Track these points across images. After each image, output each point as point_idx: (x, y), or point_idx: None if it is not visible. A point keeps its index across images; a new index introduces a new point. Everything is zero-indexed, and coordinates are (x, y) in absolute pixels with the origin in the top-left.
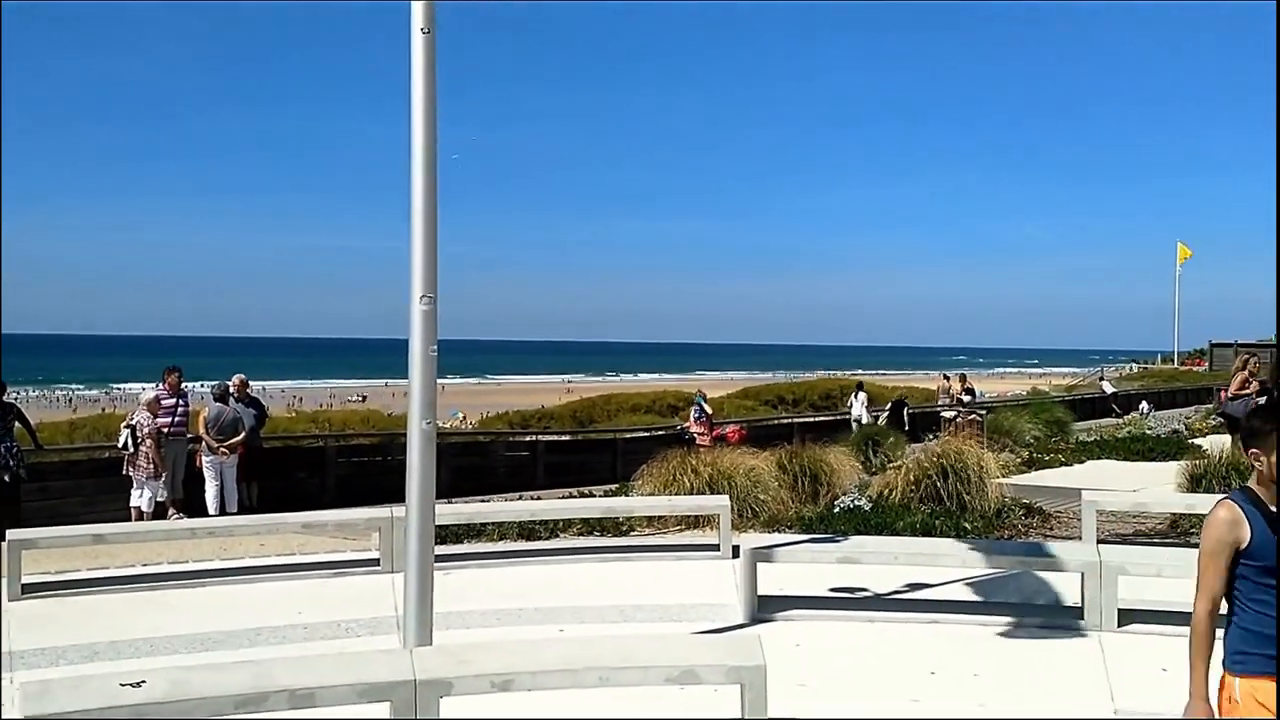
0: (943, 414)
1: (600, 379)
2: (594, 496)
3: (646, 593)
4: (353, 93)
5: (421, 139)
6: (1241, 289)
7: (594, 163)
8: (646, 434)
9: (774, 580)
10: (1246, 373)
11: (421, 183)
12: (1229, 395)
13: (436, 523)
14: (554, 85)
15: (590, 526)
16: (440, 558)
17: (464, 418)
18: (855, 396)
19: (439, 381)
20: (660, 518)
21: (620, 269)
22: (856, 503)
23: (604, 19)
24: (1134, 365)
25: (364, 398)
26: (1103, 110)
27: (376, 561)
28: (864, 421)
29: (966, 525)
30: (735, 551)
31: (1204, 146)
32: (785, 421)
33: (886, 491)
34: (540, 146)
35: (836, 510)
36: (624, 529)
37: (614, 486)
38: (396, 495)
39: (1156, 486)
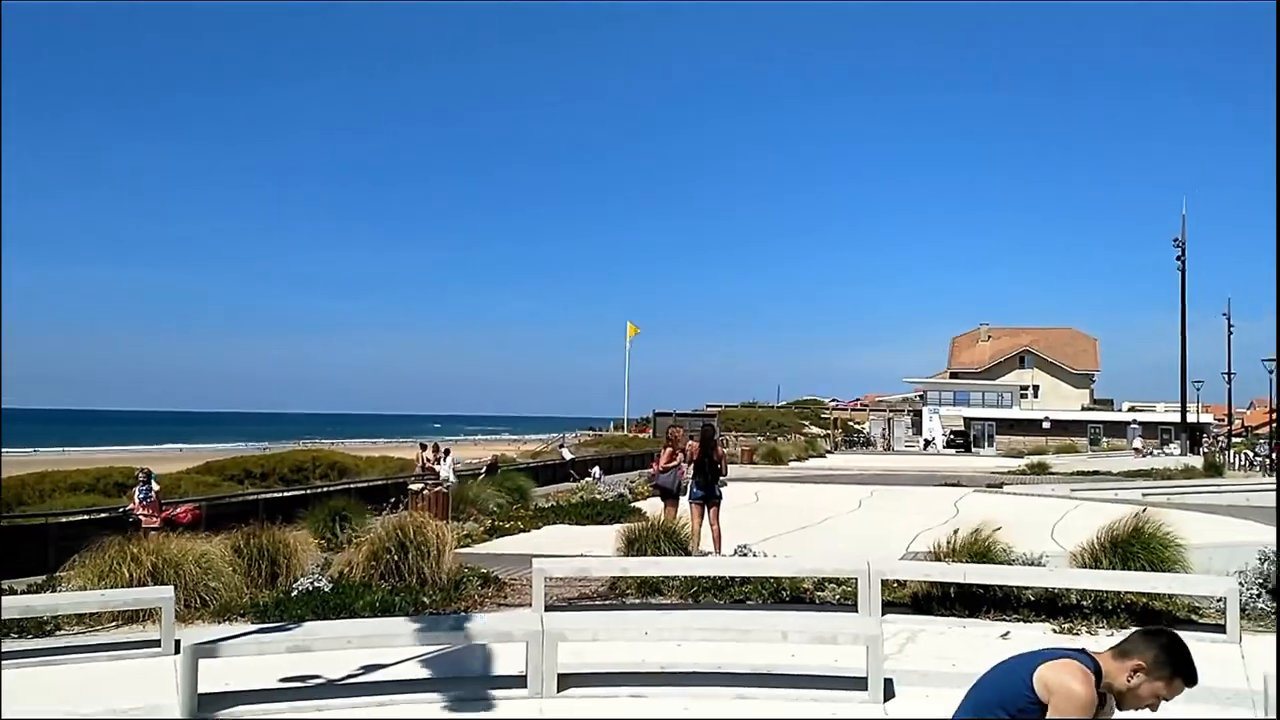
0: (410, 485)
1: (31, 451)
2: (15, 594)
3: (69, 702)
4: None
5: None
6: (681, 362)
7: None
8: (86, 517)
9: (219, 676)
10: (674, 448)
11: None
12: (659, 468)
13: None
14: None
15: (7, 628)
16: None
17: None
18: (443, 459)
19: None
20: (94, 614)
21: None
22: (317, 584)
23: None
24: (591, 431)
25: None
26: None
27: None
28: (451, 482)
29: (426, 600)
30: (178, 647)
31: (642, 238)
32: (250, 498)
33: (347, 570)
34: None
35: (294, 594)
36: (49, 629)
37: (42, 579)
38: None
39: (599, 550)
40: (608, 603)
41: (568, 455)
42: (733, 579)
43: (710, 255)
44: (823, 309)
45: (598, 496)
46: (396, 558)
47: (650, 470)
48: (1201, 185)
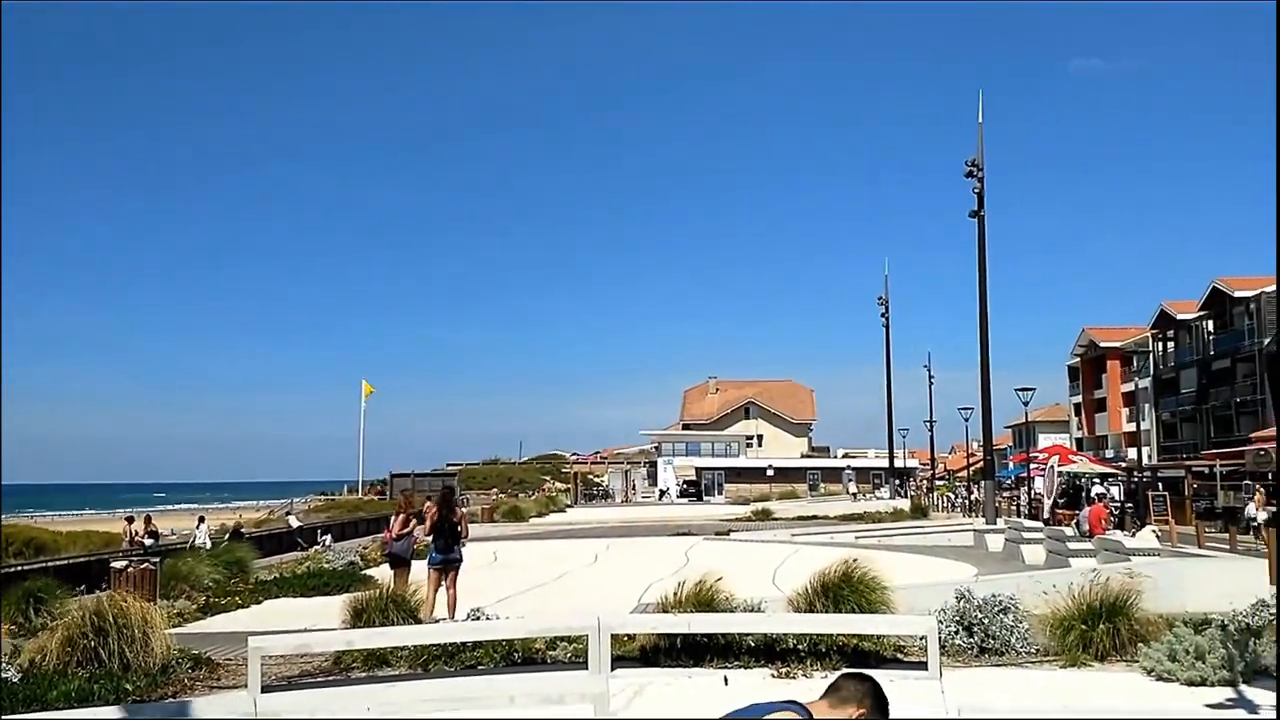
0: (113, 563)
1: None
2: None
3: None
4: None
5: None
6: (420, 423)
7: None
8: None
9: None
10: (407, 514)
11: None
12: (393, 535)
13: None
14: None
15: None
16: None
17: None
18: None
19: None
20: None
21: None
22: (4, 675)
23: None
24: (324, 496)
25: None
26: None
27: None
28: (208, 548)
29: (129, 686)
30: None
31: (378, 290)
32: None
33: (40, 658)
34: None
35: None
36: None
37: None
38: None
39: (325, 623)
40: (331, 679)
41: (295, 522)
42: (464, 644)
43: (448, 311)
44: (564, 363)
45: (326, 565)
46: (95, 642)
47: (384, 536)
48: (905, 248)
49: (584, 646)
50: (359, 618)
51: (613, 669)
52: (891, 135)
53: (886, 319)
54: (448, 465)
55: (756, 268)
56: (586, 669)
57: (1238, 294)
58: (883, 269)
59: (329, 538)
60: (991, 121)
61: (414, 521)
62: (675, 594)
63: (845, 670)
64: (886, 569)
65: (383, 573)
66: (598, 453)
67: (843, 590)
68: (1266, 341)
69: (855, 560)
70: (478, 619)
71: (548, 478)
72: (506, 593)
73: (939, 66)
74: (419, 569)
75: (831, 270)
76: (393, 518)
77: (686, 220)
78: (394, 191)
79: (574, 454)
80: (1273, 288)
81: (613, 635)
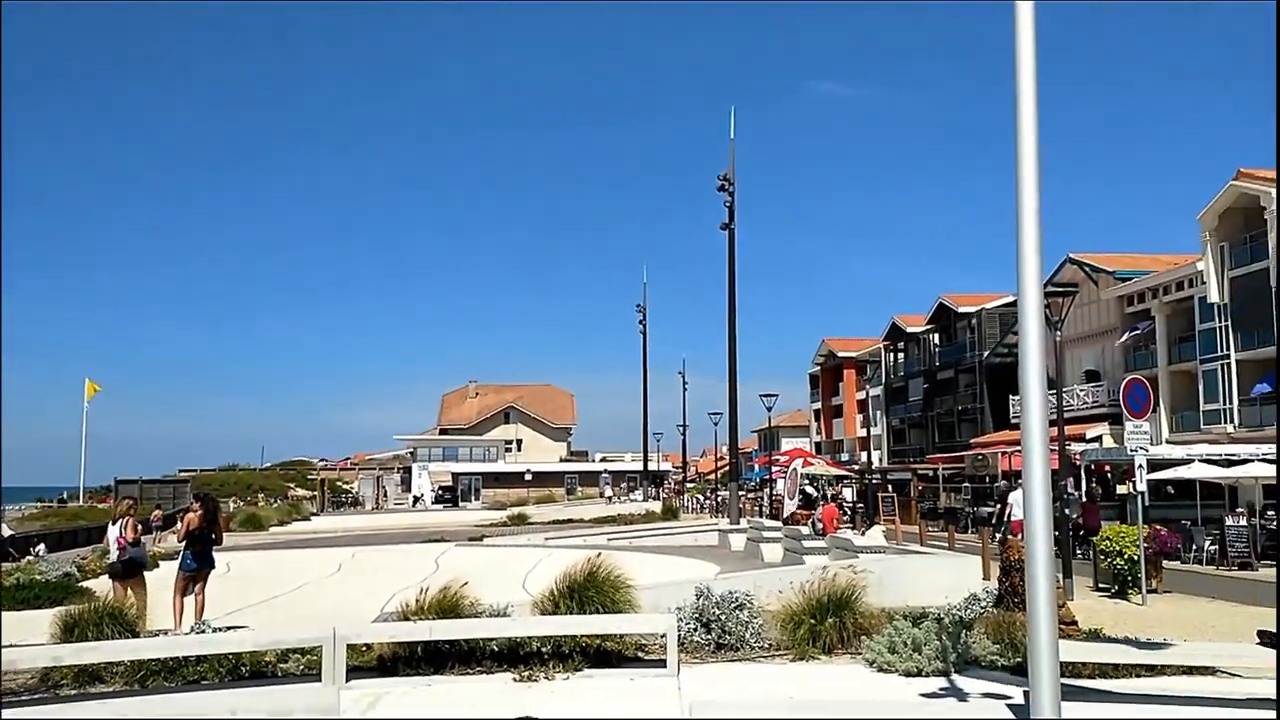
0: None
1: None
2: None
3: None
4: None
5: None
6: (151, 425)
7: None
8: None
9: None
10: (135, 520)
11: None
12: (128, 541)
13: None
14: None
15: None
16: None
17: None
18: None
19: None
20: None
21: None
22: None
23: None
24: (40, 503)
25: None
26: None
27: None
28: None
29: None
30: None
31: (103, 287)
32: None
33: None
34: None
35: None
36: None
37: None
38: None
39: (34, 638)
40: (37, 697)
41: (6, 532)
42: (186, 659)
43: (178, 310)
44: (310, 367)
45: (39, 577)
46: None
47: (118, 541)
48: (666, 257)
49: (318, 658)
50: (70, 632)
51: (348, 680)
52: (654, 144)
53: (644, 326)
54: (180, 471)
55: (517, 273)
56: (320, 681)
57: (961, 310)
58: (642, 277)
59: (43, 547)
60: (745, 140)
61: (139, 530)
62: (419, 601)
63: None
64: (634, 569)
65: (102, 584)
66: (348, 459)
67: (588, 591)
68: (985, 354)
69: (600, 561)
70: (203, 631)
71: (292, 484)
72: (236, 605)
73: (700, 77)
74: (153, 577)
75: (593, 277)
76: (119, 524)
77: (440, 225)
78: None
79: (322, 460)
80: (993, 304)
81: (350, 645)
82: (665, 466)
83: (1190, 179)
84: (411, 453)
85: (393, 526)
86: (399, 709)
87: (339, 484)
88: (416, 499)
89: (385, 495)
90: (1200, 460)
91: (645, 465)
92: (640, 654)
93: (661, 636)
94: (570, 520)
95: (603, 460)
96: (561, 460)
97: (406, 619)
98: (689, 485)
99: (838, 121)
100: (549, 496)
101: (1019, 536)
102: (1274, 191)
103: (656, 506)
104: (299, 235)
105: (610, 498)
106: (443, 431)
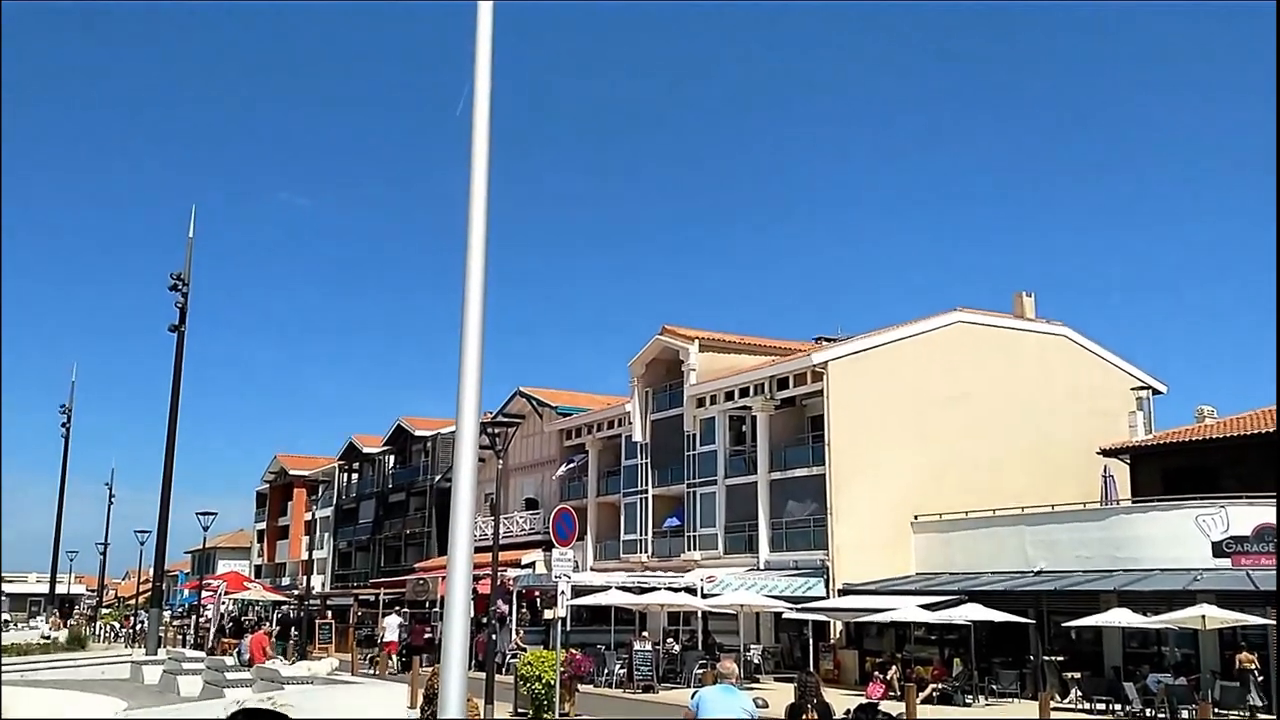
0: None
1: None
2: None
3: None
4: None
5: None
6: None
7: None
8: None
9: None
10: None
11: None
12: None
13: None
14: None
15: None
16: None
17: None
18: None
19: None
20: None
21: None
22: None
23: None
24: None
25: None
26: None
27: None
28: None
29: None
30: None
31: None
32: None
33: None
34: None
35: None
36: None
37: None
38: None
39: None
40: None
41: None
42: None
43: None
44: None
45: None
46: None
47: None
48: (104, 354)
49: None
50: None
51: None
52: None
53: (67, 430)
54: None
55: None
56: None
57: (418, 432)
58: (71, 374)
59: None
60: (206, 240)
61: None
62: None
63: None
64: (22, 707)
65: None
66: None
67: None
68: (437, 478)
69: None
70: None
71: None
72: None
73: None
74: None
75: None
76: None
77: None
78: None
79: None
80: (449, 429)
81: None
82: (79, 589)
83: (629, 328)
84: None
85: None
86: None
87: None
88: None
89: None
90: (616, 588)
91: (52, 586)
92: None
93: None
94: None
95: (4, 581)
96: None
97: None
98: (104, 611)
99: (301, 229)
100: None
101: (390, 657)
102: (694, 347)
103: (62, 634)
104: None
105: (6, 623)
106: None
